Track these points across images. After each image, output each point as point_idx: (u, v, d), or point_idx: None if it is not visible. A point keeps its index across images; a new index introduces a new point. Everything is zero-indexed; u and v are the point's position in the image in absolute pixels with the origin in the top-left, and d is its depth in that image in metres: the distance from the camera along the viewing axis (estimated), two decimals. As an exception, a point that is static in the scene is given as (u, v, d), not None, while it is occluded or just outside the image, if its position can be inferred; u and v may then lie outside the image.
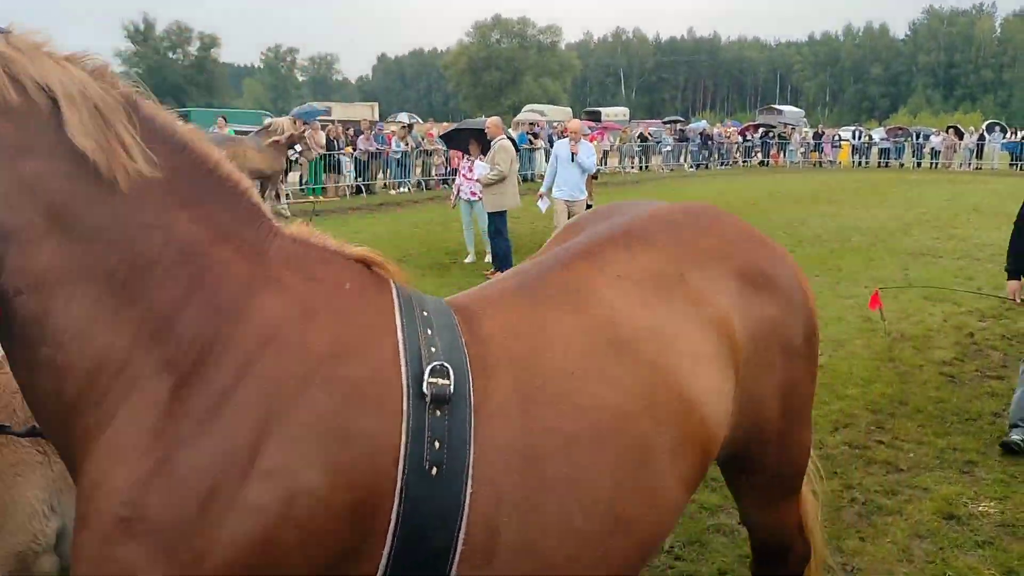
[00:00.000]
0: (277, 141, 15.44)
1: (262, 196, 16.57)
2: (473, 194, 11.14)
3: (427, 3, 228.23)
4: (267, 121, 17.16)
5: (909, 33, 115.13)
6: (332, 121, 29.68)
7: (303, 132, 17.21)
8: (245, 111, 45.02)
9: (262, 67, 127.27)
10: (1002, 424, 5.41)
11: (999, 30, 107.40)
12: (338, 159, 21.18)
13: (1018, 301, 4.68)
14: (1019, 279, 4.83)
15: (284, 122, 16.39)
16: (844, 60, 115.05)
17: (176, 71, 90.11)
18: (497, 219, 10.55)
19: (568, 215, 10.47)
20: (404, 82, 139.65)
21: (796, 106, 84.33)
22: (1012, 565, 3.72)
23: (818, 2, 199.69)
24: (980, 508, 4.28)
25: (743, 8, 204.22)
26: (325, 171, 20.87)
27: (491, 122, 11.20)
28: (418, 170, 23.51)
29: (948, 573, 3.67)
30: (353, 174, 21.21)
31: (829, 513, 4.21)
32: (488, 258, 11.23)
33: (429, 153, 23.54)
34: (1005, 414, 5.63)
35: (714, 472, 4.70)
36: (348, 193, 20.76)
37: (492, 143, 10.68)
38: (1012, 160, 33.49)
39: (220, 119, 20.55)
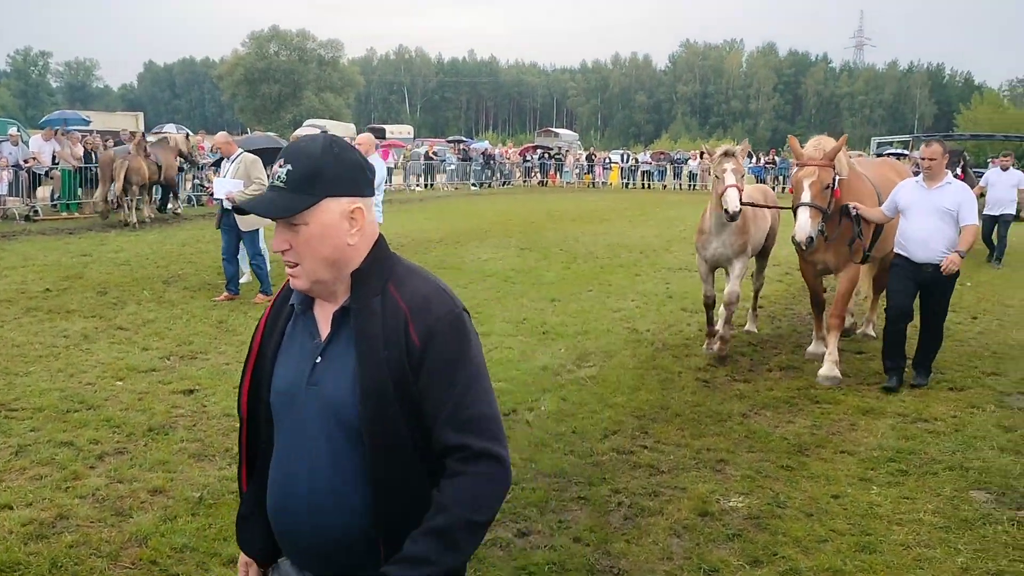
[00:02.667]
0: (170, 151, 18.38)
1: (175, 197, 19.27)
2: (246, 212, 10.51)
3: (197, 12, 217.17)
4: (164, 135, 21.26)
5: (669, 64, 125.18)
6: (91, 131, 27.37)
7: (191, 144, 21.21)
8: (-14, 118, 40.33)
9: (9, 71, 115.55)
10: (748, 423, 5.92)
11: (745, 64, 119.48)
12: (96, 173, 19.45)
13: None
14: None
15: (178, 136, 19.82)
16: (613, 87, 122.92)
17: (-101, 71, 79.85)
18: (254, 238, 9.84)
19: None
20: (174, 91, 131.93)
21: (571, 129, 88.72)
22: (758, 555, 4.04)
23: (590, 31, 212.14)
24: (730, 503, 4.63)
25: (521, 31, 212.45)
26: (81, 186, 19.09)
27: (220, 139, 9.99)
28: (188, 185, 22.17)
29: (704, 567, 3.92)
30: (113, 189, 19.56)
31: (598, 518, 4.39)
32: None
33: (200, 167, 22.25)
34: (752, 414, 6.17)
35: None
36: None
37: (230, 159, 9.64)
38: (756, 182, 37.19)
39: (-47, 126, 18.26)
